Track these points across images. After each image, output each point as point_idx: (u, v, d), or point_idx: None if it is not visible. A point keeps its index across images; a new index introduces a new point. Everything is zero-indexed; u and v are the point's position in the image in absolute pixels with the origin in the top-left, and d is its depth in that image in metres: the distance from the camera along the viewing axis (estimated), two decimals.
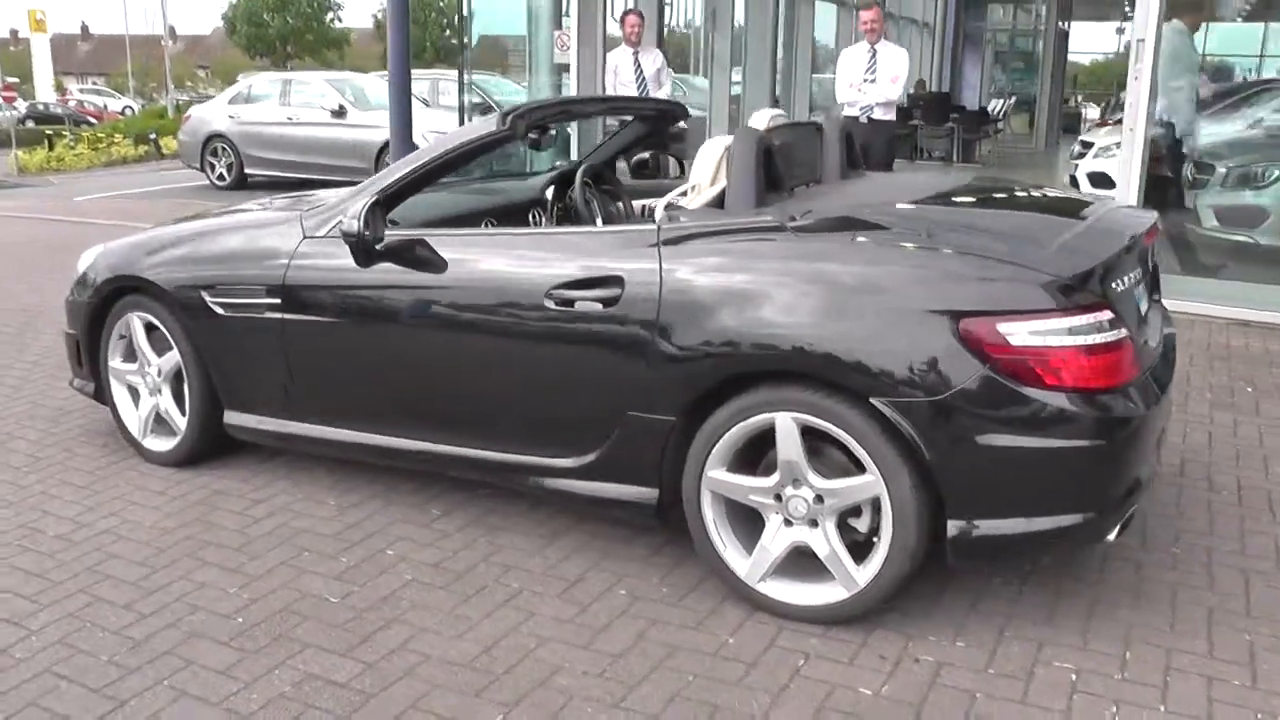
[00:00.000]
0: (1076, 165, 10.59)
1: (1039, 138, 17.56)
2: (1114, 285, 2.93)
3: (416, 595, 3.19)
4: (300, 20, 48.26)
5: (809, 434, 2.92)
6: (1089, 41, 47.14)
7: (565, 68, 7.99)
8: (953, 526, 2.83)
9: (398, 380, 3.58)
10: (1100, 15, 24.05)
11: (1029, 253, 2.88)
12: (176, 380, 4.11)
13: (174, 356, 4.04)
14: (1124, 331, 2.84)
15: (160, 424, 4.22)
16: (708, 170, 3.42)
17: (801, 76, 12.81)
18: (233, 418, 3.98)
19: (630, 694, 2.70)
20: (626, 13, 8.31)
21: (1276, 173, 6.77)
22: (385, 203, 3.54)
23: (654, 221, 3.33)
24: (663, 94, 8.19)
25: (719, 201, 3.31)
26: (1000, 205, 3.61)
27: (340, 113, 12.32)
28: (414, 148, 8.64)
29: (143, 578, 3.31)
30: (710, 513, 3.09)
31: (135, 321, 4.13)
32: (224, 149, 13.32)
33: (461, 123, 9.36)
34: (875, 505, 2.91)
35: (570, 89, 7.89)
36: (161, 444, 4.21)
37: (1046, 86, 17.26)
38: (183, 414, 4.11)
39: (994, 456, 2.77)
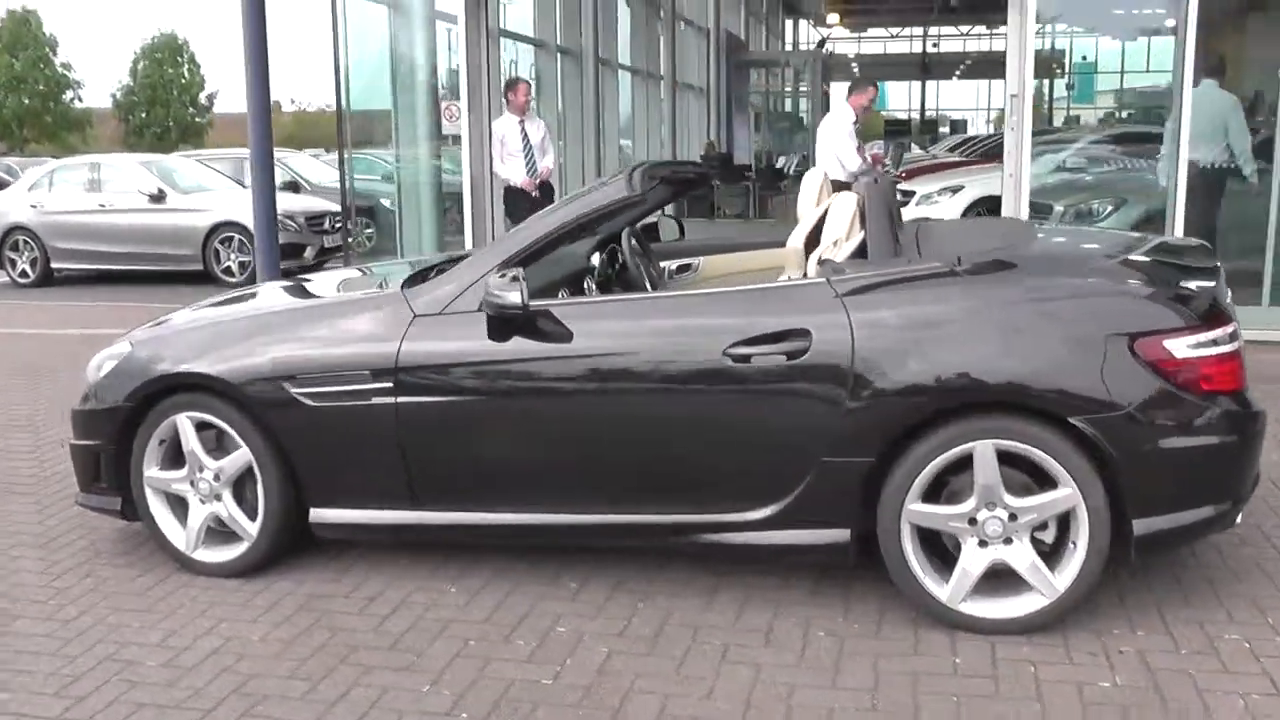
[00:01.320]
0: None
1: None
2: (1227, 302, 3.39)
3: (630, 664, 3.13)
4: (37, 100, 43.88)
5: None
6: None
7: (455, 138, 7.91)
8: (1138, 526, 3.15)
9: (551, 454, 3.48)
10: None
11: (1170, 278, 3.29)
12: (237, 484, 3.78)
13: (242, 457, 3.70)
14: (1241, 341, 3.30)
15: (213, 534, 3.85)
16: (842, 225, 3.61)
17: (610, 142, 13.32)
18: (324, 515, 3.70)
19: None
20: (516, 81, 8.33)
21: (1109, 208, 7.81)
22: None
23: (796, 278, 3.49)
24: (549, 161, 8.30)
25: (861, 252, 3.51)
26: (1093, 241, 4.00)
27: (159, 197, 11.42)
28: (275, 223, 8.28)
29: (308, 691, 3.03)
30: (909, 545, 3.25)
31: (185, 423, 3.75)
32: (26, 242, 11.98)
33: (344, 201, 8.99)
34: (1062, 517, 3.19)
35: (464, 159, 7.83)
36: (219, 554, 3.83)
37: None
38: (251, 519, 3.77)
39: (1171, 458, 3.12)
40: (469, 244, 7.92)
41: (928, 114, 45.93)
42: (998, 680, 3.00)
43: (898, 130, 40.18)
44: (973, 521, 3.21)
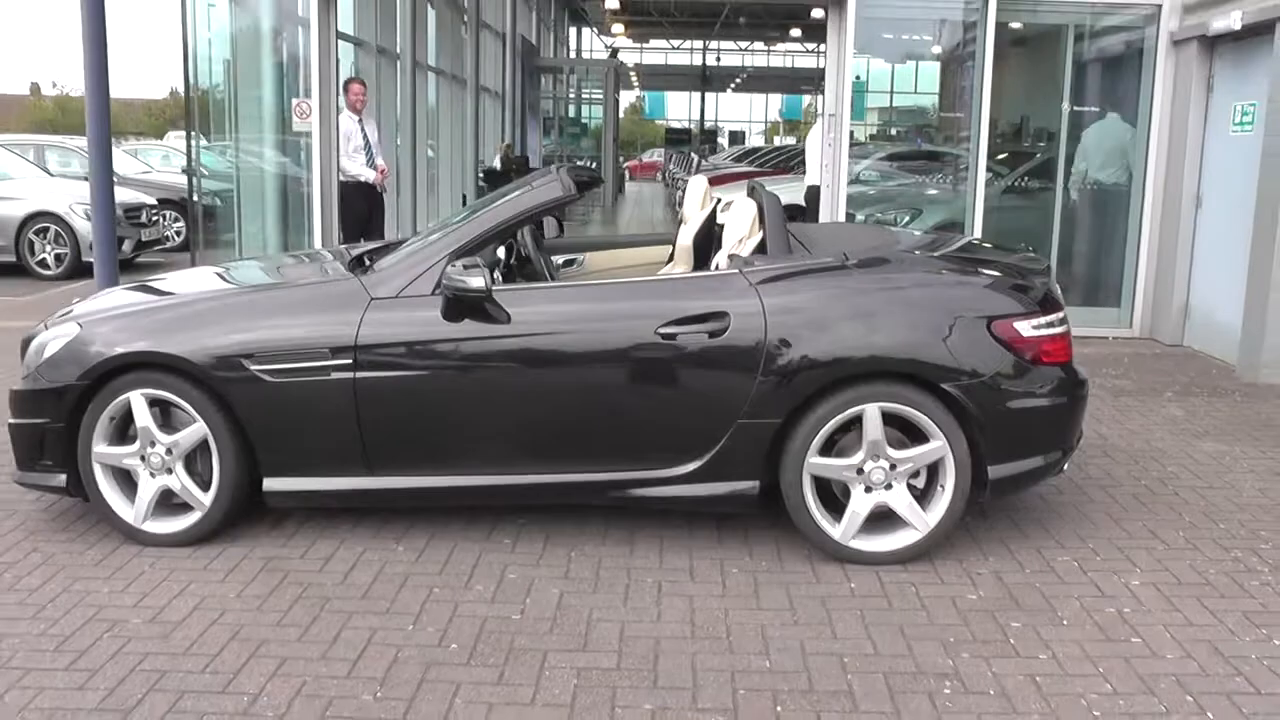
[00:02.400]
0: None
1: (606, 195, 19.77)
2: (1058, 294, 4.22)
3: (582, 600, 3.61)
4: None
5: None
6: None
7: (305, 135, 8.00)
8: (993, 471, 3.92)
9: (499, 423, 3.89)
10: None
11: (1015, 274, 4.09)
12: (187, 458, 4.00)
13: (197, 431, 3.93)
14: (1068, 324, 4.14)
15: (159, 507, 4.03)
16: (744, 225, 4.21)
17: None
18: (279, 484, 3.98)
19: (836, 634, 3.43)
20: (350, 81, 8.50)
21: (906, 218, 8.85)
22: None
23: (713, 269, 4.06)
24: (382, 160, 8.63)
25: (761, 248, 4.13)
26: (947, 246, 4.75)
27: None
28: (114, 214, 8.13)
29: (302, 634, 3.35)
30: (809, 493, 3.89)
31: (140, 400, 3.93)
32: None
33: (189, 188, 8.83)
34: (932, 467, 3.92)
35: (314, 155, 7.94)
36: (169, 525, 4.03)
37: (610, 150, 19.53)
38: (203, 490, 4.00)
39: (1018, 416, 3.91)
40: (317, 240, 8.06)
41: (707, 124, 47.98)
42: (889, 598, 3.69)
43: (678, 139, 41.79)
44: (860, 471, 3.89)
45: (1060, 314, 4.06)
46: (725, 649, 3.31)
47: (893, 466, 3.89)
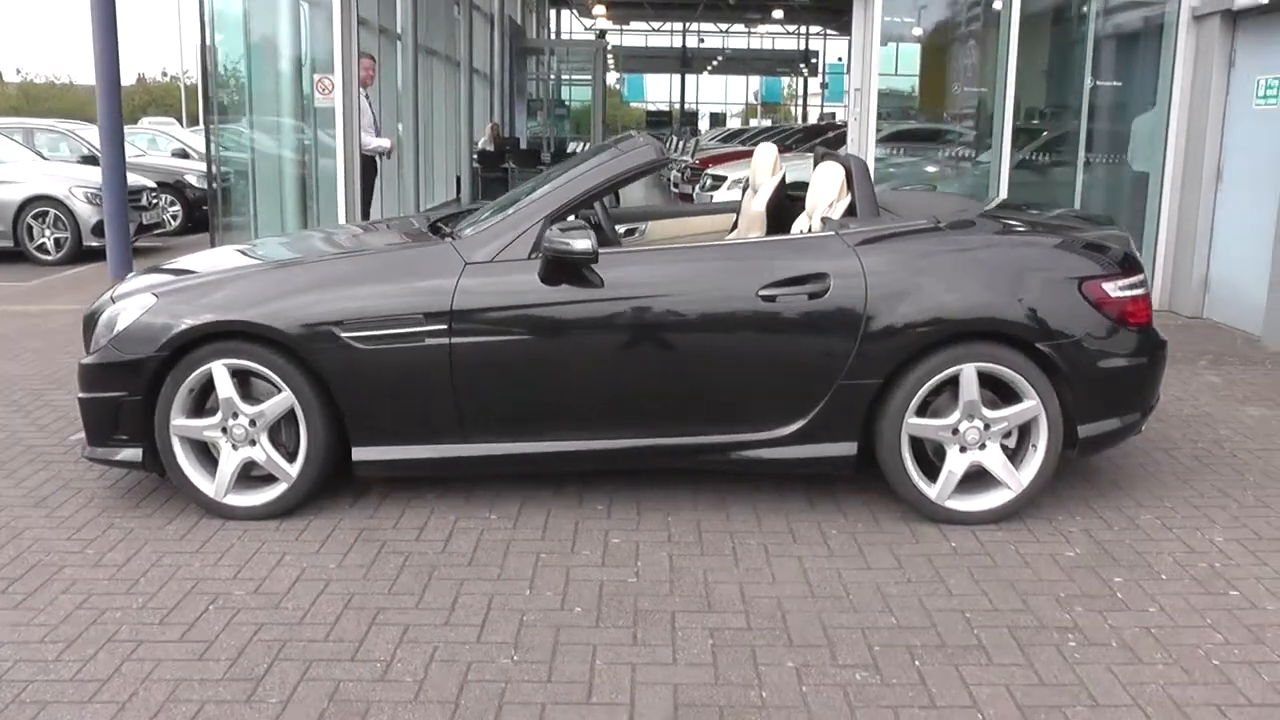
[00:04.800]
0: (711, 197, 12.40)
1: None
2: (1139, 256, 4.24)
3: (693, 563, 3.58)
4: None
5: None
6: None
7: (328, 111, 7.88)
8: (1083, 430, 3.95)
9: (600, 387, 3.85)
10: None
11: (1107, 236, 4.11)
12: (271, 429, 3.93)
13: (284, 401, 3.85)
14: (1148, 286, 4.16)
15: (242, 479, 3.96)
16: (832, 188, 4.19)
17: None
18: (369, 453, 3.91)
19: (951, 591, 3.44)
20: (360, 55, 8.39)
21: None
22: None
23: (799, 232, 4.04)
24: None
25: (850, 211, 4.12)
26: (1032, 210, 4.74)
27: None
28: (126, 198, 8.02)
29: (418, 602, 3.30)
30: (907, 453, 3.89)
31: (222, 371, 3.85)
32: None
33: (208, 170, 8.67)
34: (1024, 426, 3.93)
35: (338, 132, 7.82)
36: (252, 498, 3.95)
37: (599, 132, 19.46)
38: (289, 461, 3.93)
39: (1107, 376, 3.93)
40: (341, 217, 7.96)
41: (688, 106, 47.95)
42: (990, 555, 3.70)
43: (659, 121, 41.73)
44: (955, 431, 3.90)
45: (1141, 275, 4.09)
46: (849, 607, 3.30)
47: (986, 426, 3.90)
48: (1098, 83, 8.19)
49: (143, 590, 3.41)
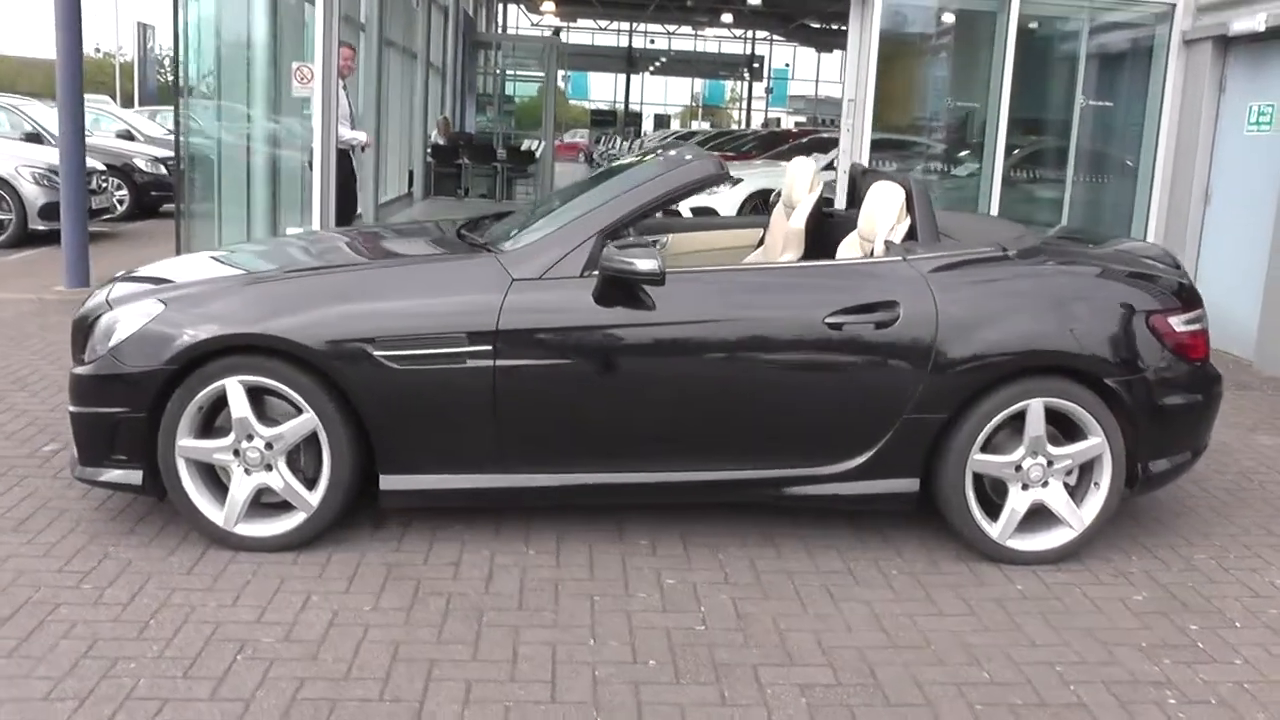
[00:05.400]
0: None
1: (544, 174, 19.31)
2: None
3: (759, 608, 3.35)
4: None
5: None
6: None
7: (305, 101, 7.44)
8: (1149, 467, 3.81)
9: (654, 416, 3.59)
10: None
11: (1167, 269, 3.98)
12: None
13: (305, 424, 3.52)
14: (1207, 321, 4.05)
15: (252, 506, 3.61)
16: (891, 211, 3.97)
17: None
18: (396, 481, 3.59)
19: (1033, 640, 3.27)
20: (341, 44, 7.97)
21: None
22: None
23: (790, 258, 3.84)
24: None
25: (910, 235, 3.91)
26: (1088, 239, 4.58)
27: None
28: (84, 181, 7.58)
29: (474, 654, 3.01)
30: (972, 490, 3.71)
31: (237, 388, 3.50)
32: None
33: (176, 154, 8.14)
34: (1085, 463, 3.78)
35: (314, 123, 7.39)
36: (267, 528, 3.61)
37: (550, 128, 19.10)
38: (310, 489, 3.59)
39: (1170, 412, 3.80)
40: (316, 212, 7.53)
41: (632, 106, 47.64)
42: (1060, 599, 3.54)
43: (603, 121, 41.42)
44: (1018, 468, 3.73)
45: (1202, 309, 3.97)
46: (934, 659, 3.10)
47: (1049, 463, 3.74)
48: (1090, 102, 8.16)
49: (156, 635, 3.06)
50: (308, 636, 3.07)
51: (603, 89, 50.64)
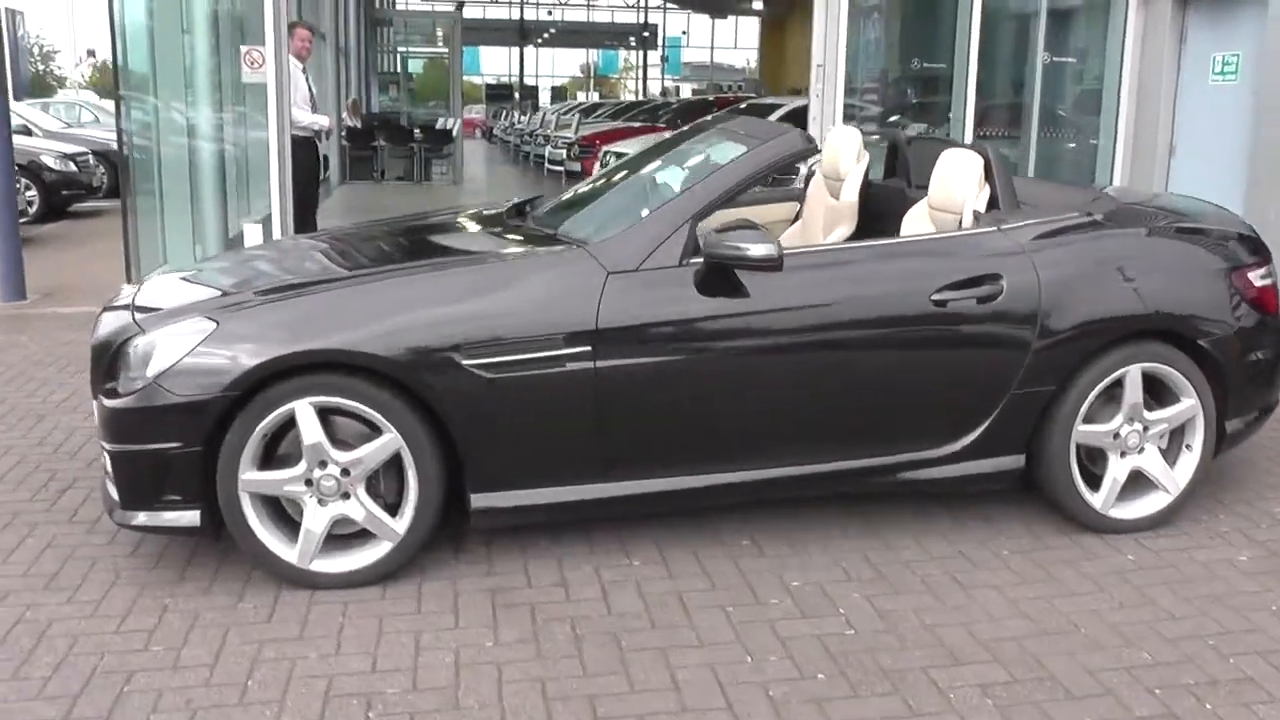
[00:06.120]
0: None
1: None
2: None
3: (893, 604, 3.21)
4: None
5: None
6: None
7: (258, 87, 6.91)
8: (1229, 426, 3.78)
9: (767, 409, 3.40)
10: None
11: (1240, 225, 3.96)
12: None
13: (388, 444, 3.21)
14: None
15: (329, 539, 3.30)
16: (971, 180, 3.81)
17: None
18: (492, 500, 3.32)
19: (1172, 614, 3.20)
20: (295, 25, 7.48)
21: None
22: None
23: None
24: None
25: (991, 205, 3.78)
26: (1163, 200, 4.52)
27: None
28: (13, 178, 7.00)
29: (629, 686, 2.78)
30: (1074, 462, 3.62)
31: (308, 411, 3.17)
32: None
33: (120, 146, 7.49)
34: (1177, 427, 3.73)
35: (270, 109, 6.88)
36: (347, 562, 3.30)
37: (458, 104, 18.52)
38: (393, 515, 3.29)
39: (1254, 369, 3.79)
40: (275, 200, 7.05)
41: (527, 80, 46.65)
42: (1177, 567, 3.49)
43: (499, 95, 40.50)
44: (1116, 436, 3.66)
45: (1272, 264, 3.96)
46: (1090, 644, 3.00)
47: (1145, 429, 3.68)
48: (1052, 58, 8.21)
49: (263, 698, 2.74)
50: (438, 683, 2.80)
51: (494, 63, 49.59)
